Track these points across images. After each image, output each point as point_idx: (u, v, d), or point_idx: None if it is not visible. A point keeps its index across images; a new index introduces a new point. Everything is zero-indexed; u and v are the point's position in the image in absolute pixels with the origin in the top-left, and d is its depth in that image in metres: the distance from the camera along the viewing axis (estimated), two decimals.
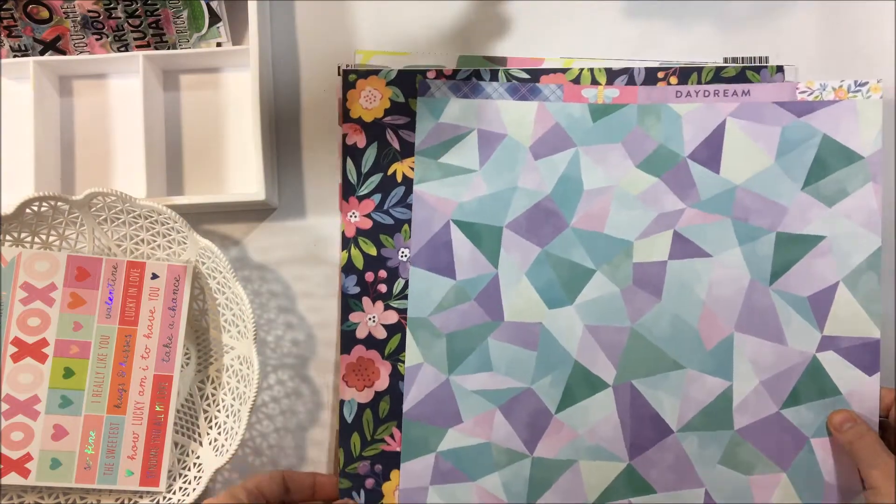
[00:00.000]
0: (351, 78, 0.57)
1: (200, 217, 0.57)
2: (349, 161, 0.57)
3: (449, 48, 0.59)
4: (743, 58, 0.57)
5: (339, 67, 0.58)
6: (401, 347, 0.55)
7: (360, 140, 0.57)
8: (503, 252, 0.54)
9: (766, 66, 0.56)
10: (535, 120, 0.55)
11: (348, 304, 0.56)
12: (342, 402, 0.55)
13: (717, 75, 0.56)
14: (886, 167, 0.55)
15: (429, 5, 0.59)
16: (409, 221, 0.56)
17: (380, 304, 0.56)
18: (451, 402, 0.54)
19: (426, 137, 0.56)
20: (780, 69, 0.56)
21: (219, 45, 0.57)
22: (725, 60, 0.57)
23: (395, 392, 0.55)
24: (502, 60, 0.58)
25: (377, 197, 0.57)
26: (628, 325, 0.53)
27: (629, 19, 0.59)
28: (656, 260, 0.54)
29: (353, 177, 0.57)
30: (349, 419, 0.55)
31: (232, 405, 0.52)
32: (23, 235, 0.53)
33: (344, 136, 0.57)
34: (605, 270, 0.54)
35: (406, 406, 0.54)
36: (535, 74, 0.57)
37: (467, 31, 0.59)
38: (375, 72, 0.57)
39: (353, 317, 0.56)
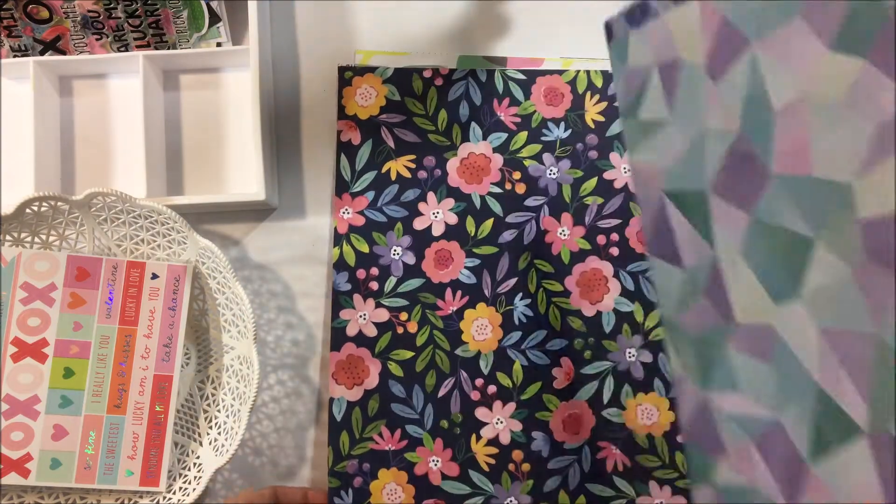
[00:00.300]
0: (347, 75, 0.57)
1: (200, 217, 0.57)
2: (343, 158, 0.57)
3: (449, 48, 0.59)
4: None
5: (338, 66, 0.58)
6: (391, 345, 0.55)
7: (354, 137, 0.57)
8: (714, 226, 0.39)
9: None
10: (702, 24, 0.38)
11: (339, 300, 0.56)
12: (331, 400, 0.55)
13: None
14: None
15: (429, 5, 0.59)
16: (402, 219, 0.56)
17: (371, 302, 0.56)
18: (711, 425, 0.41)
19: (623, 94, 0.42)
20: None
21: (219, 45, 0.57)
22: None
23: (384, 390, 0.55)
24: (502, 60, 0.58)
25: (370, 194, 0.57)
26: (871, 330, 0.33)
27: None
28: (892, 209, 0.30)
29: (346, 173, 0.57)
30: (338, 417, 0.55)
31: (232, 405, 0.52)
32: (23, 235, 0.53)
33: (339, 132, 0.57)
34: (824, 238, 0.34)
35: (682, 424, 0.42)
36: (532, 75, 0.57)
37: (467, 31, 0.59)
38: (372, 69, 0.57)
39: (344, 314, 0.56)
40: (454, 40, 0.59)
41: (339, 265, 0.56)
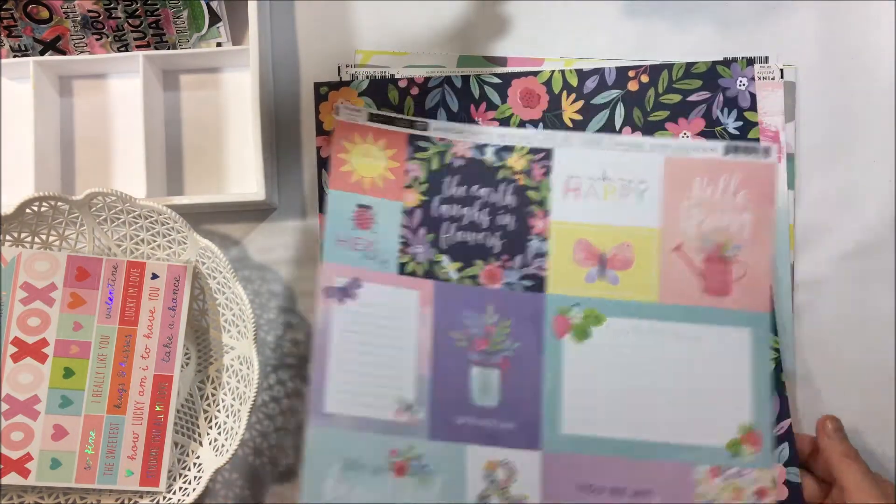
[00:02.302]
0: (322, 90, 0.57)
1: (200, 217, 0.57)
2: (325, 174, 0.57)
3: (449, 48, 0.59)
4: (743, 58, 0.57)
5: (338, 66, 0.58)
6: None
7: None
8: None
9: (735, 60, 0.56)
10: None
11: None
12: None
13: (688, 71, 0.56)
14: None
15: (429, 5, 0.59)
16: None
17: None
18: None
19: None
20: (749, 62, 0.56)
21: (219, 45, 0.57)
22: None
23: None
24: (502, 60, 0.58)
25: None
26: None
27: (629, 19, 0.59)
28: None
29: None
30: None
31: (232, 405, 0.52)
32: (23, 235, 0.53)
33: (318, 148, 0.57)
34: None
35: None
36: (507, 78, 0.57)
37: (467, 31, 0.59)
38: (347, 83, 0.57)
39: None
40: (454, 40, 0.59)
41: None
